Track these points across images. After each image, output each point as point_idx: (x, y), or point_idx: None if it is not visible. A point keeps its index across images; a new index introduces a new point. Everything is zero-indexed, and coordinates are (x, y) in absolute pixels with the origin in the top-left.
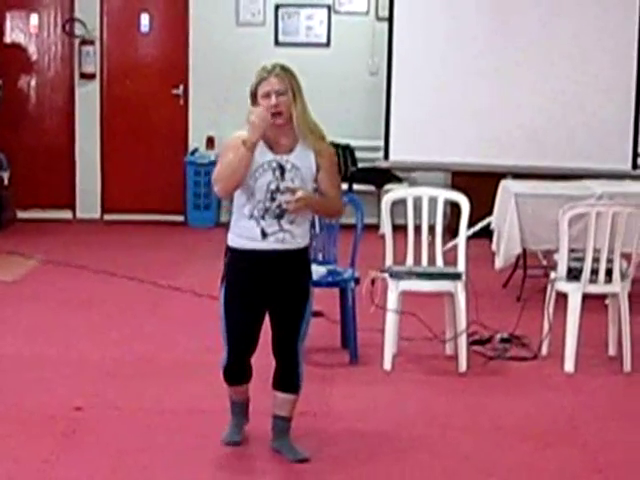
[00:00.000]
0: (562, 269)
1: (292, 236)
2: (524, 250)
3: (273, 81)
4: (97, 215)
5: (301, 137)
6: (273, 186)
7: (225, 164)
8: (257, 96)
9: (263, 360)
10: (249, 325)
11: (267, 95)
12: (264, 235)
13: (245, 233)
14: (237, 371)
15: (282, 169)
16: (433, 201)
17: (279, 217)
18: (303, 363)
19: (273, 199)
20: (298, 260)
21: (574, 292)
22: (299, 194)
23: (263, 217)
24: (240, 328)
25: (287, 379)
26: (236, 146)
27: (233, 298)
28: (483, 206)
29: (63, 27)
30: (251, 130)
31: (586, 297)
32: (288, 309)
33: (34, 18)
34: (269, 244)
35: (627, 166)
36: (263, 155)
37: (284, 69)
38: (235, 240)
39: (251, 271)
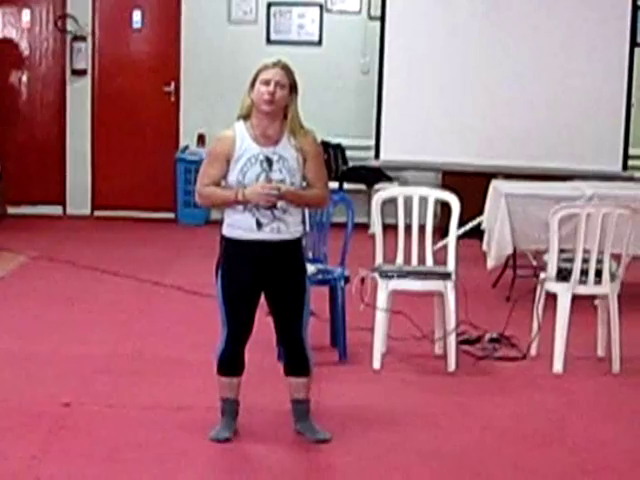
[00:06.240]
0: (552, 269)
1: (286, 225)
2: (514, 250)
3: (278, 72)
4: (87, 211)
5: (291, 133)
6: (262, 178)
7: (216, 193)
8: (256, 82)
9: (249, 356)
10: (247, 312)
11: (267, 82)
12: (259, 225)
13: (241, 224)
14: (233, 359)
15: (269, 161)
16: (424, 200)
17: (272, 206)
18: (309, 346)
19: None
20: (293, 250)
21: (563, 293)
22: (282, 189)
23: (257, 207)
24: (239, 315)
25: (297, 364)
26: (220, 155)
27: (231, 287)
28: (473, 206)
29: (55, 23)
30: (251, 196)
31: (575, 298)
32: (287, 298)
33: (26, 14)
34: (265, 234)
35: (617, 167)
36: (250, 149)
37: (288, 67)
38: (231, 231)
39: (248, 261)
